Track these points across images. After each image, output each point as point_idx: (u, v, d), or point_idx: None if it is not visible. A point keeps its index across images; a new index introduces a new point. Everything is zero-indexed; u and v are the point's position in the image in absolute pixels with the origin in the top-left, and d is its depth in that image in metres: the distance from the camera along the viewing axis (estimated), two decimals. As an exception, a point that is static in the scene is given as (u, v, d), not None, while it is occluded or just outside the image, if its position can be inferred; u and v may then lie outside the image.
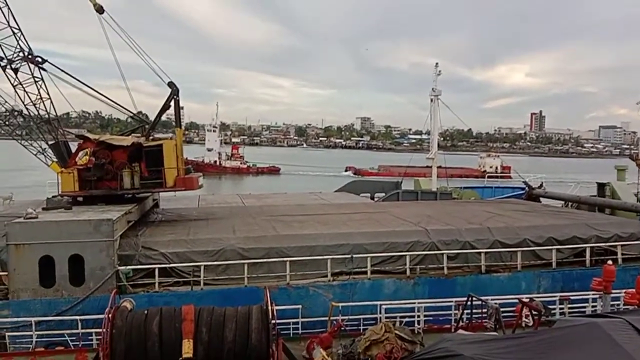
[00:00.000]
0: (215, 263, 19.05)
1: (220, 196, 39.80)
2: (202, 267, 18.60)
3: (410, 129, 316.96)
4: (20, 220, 17.83)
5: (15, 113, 26.39)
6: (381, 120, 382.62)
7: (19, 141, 28.84)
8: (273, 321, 12.79)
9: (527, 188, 37.40)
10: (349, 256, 19.89)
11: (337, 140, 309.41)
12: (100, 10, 24.68)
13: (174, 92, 24.89)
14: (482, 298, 16.20)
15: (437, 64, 46.76)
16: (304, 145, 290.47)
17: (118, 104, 26.02)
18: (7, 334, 15.74)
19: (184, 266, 18.82)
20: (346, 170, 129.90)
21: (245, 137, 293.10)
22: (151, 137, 25.18)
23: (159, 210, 28.11)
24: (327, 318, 17.00)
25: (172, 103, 24.96)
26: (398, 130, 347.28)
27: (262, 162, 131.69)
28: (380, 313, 17.41)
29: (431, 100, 45.92)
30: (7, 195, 35.07)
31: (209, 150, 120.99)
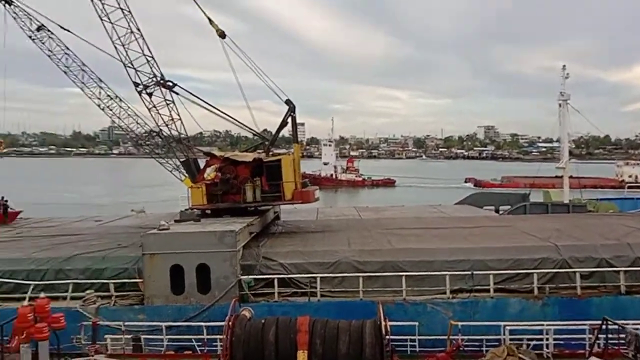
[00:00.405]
0: (330, 275, 19.19)
1: (337, 209, 40.31)
2: (319, 279, 18.82)
3: (539, 137, 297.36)
4: (154, 232, 19.46)
5: (154, 134, 29.12)
6: (506, 129, 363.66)
7: (157, 159, 31.80)
8: (387, 337, 12.51)
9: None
10: (470, 273, 18.96)
11: (459, 151, 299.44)
12: (222, 35, 26.37)
13: (291, 109, 25.82)
14: (620, 322, 14.47)
15: (564, 66, 43.61)
16: (423, 157, 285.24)
17: (241, 123, 27.58)
18: (142, 336, 17.11)
19: (302, 277, 19.18)
20: (466, 182, 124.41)
21: (364, 150, 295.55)
22: (271, 153, 26.30)
23: (279, 222, 29.11)
24: (445, 337, 16.30)
25: (290, 120, 25.94)
26: (526, 139, 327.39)
27: (377, 175, 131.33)
28: (504, 334, 16.26)
29: (559, 105, 42.82)
30: (140, 209, 38.61)
31: (325, 164, 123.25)
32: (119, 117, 30.07)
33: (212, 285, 18.69)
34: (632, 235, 22.24)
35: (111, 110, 29.57)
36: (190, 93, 26.58)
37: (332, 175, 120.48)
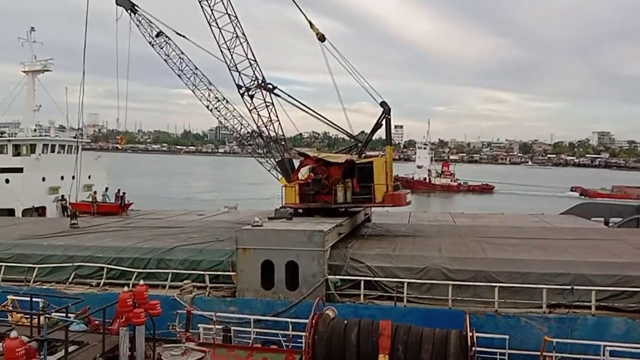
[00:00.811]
0: (419, 281, 18.81)
1: (431, 213, 39.48)
2: (406, 284, 18.55)
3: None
4: (247, 228, 20.26)
5: (256, 134, 30.37)
6: (623, 136, 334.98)
7: (257, 158, 33.13)
8: (473, 348, 12.07)
9: None
10: (569, 287, 17.72)
11: (569, 158, 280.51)
12: (322, 38, 26.84)
13: (386, 111, 25.74)
14: None
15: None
16: (529, 163, 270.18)
17: (335, 124, 27.89)
18: (232, 327, 17.88)
19: (389, 281, 19.01)
20: (571, 190, 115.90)
21: (464, 154, 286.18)
22: (364, 155, 26.35)
23: (369, 224, 29.07)
24: (539, 353, 15.37)
25: (384, 122, 25.85)
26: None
27: (474, 180, 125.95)
28: (603, 355, 15.03)
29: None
30: (233, 205, 40.36)
31: (419, 167, 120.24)
32: (225, 118, 31.81)
33: (299, 283, 19.10)
34: None
35: (218, 111, 31.34)
36: (289, 95, 27.37)
37: (425, 179, 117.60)
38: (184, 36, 30.42)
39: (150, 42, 30.50)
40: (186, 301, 18.84)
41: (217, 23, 25.61)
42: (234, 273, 20.01)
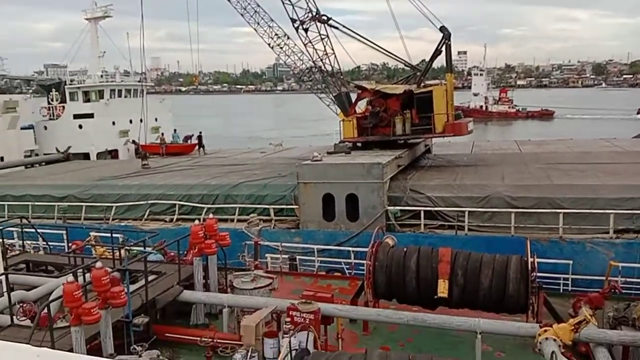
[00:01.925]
0: (480, 210, 18.78)
1: (495, 142, 38.42)
2: (467, 213, 18.56)
3: None
4: (308, 162, 20.74)
5: (314, 69, 30.17)
6: None
7: (317, 94, 33.06)
8: (534, 274, 12.12)
9: None
10: (639, 212, 17.14)
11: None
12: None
13: (446, 36, 24.75)
14: None
15: None
16: (603, 85, 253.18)
17: (392, 54, 27.22)
18: (297, 257, 18.74)
19: (449, 210, 19.10)
20: (638, 113, 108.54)
21: (532, 79, 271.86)
22: (423, 84, 25.73)
23: (429, 156, 28.83)
24: (603, 278, 15.20)
25: (444, 48, 24.92)
26: None
27: (533, 106, 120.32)
28: (673, 280, 14.67)
29: None
30: (278, 142, 40.84)
31: (475, 94, 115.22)
32: (286, 54, 31.39)
33: (360, 214, 19.56)
34: None
35: (280, 48, 31.00)
36: (344, 27, 26.86)
37: (482, 106, 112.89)
38: None
39: None
40: (253, 233, 19.80)
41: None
42: (297, 206, 20.71)
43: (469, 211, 18.62)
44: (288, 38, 30.22)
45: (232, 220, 21.36)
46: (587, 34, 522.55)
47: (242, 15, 30.03)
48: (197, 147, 40.33)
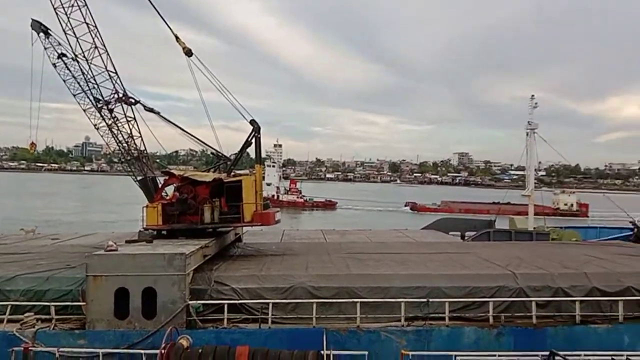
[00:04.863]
0: (283, 301, 18.56)
1: (303, 231, 39.78)
2: (271, 305, 18.19)
3: (511, 165, 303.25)
4: (99, 253, 18.64)
5: (123, 151, 28.20)
6: (480, 156, 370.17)
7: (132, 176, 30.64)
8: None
9: (635, 229, 33.57)
10: (425, 300, 18.58)
11: (432, 176, 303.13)
12: (188, 53, 25.93)
13: (255, 129, 25.41)
14: (569, 354, 14.25)
15: (532, 96, 44.69)
16: (398, 181, 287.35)
17: (202, 141, 27.07)
18: (81, 363, 16.22)
19: (253, 303, 18.52)
20: (405, 206, 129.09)
21: (339, 173, 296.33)
22: (232, 174, 25.77)
23: (240, 244, 28.42)
24: (397, 367, 15.81)
25: (254, 140, 25.50)
26: (499, 166, 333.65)
27: (319, 197, 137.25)
28: (455, 365, 15.87)
29: (527, 134, 43.52)
30: (31, 228, 37.52)
31: (268, 184, 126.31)
32: (114, 135, 27.92)
33: (158, 310, 17.87)
34: (590, 264, 22.23)
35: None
36: (151, 110, 26.11)
37: (273, 196, 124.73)
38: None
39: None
40: (27, 336, 16.81)
41: (74, 32, 23.83)
42: (84, 303, 18.24)
43: (273, 303, 18.28)
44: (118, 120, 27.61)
45: (2, 321, 17.93)
46: (385, 137, 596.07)
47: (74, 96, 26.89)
48: None
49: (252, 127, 25.41)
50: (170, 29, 25.80)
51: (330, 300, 18.59)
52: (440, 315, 18.47)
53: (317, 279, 19.73)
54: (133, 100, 25.69)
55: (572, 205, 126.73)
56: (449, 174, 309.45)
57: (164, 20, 25.47)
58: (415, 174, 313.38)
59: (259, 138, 25.70)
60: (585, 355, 15.92)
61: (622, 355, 15.24)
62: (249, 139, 25.62)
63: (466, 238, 37.22)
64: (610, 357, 15.41)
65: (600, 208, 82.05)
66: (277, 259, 24.03)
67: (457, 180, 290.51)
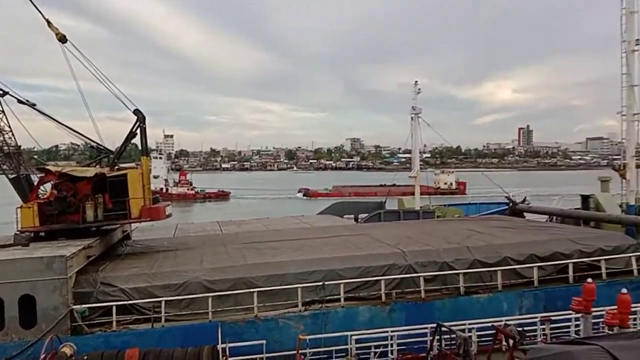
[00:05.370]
0: (176, 298, 17.96)
1: (198, 224, 38.77)
2: (163, 303, 17.52)
3: (399, 148, 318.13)
4: (-35, 260, 16.80)
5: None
6: (371, 141, 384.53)
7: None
8: (227, 361, 11.81)
9: (510, 203, 36.69)
10: (321, 283, 18.91)
11: (327, 162, 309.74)
12: (62, 39, 23.97)
13: (140, 119, 24.10)
14: (455, 324, 15.25)
15: (416, 82, 46.71)
16: (294, 169, 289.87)
17: (81, 134, 25.31)
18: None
19: (144, 302, 17.72)
20: (299, 192, 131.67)
21: (235, 162, 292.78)
22: (116, 167, 24.32)
23: (128, 242, 27.04)
24: (295, 352, 15.97)
25: (139, 131, 24.22)
26: (388, 150, 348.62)
27: (211, 188, 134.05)
28: (350, 344, 16.35)
29: (412, 118, 45.60)
30: None
31: (155, 177, 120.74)
32: None
33: (38, 319, 16.50)
34: (471, 238, 23.87)
35: None
36: (25, 103, 23.90)
37: (162, 189, 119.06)
38: None
39: None
40: None
41: None
42: (-51, 318, 16.35)
43: (166, 300, 17.63)
44: None
45: None
46: (280, 124, 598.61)
47: None
48: None
49: (136, 117, 24.15)
50: (40, 12, 23.66)
51: (226, 293, 18.30)
52: (336, 297, 18.92)
53: (212, 272, 19.34)
54: (0, 92, 23.32)
55: (451, 184, 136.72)
56: (342, 160, 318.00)
57: (35, 6, 23.30)
58: (310, 161, 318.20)
59: (144, 128, 24.39)
60: (469, 324, 17.07)
61: (501, 321, 16.55)
62: (134, 130, 24.27)
63: (359, 220, 38.47)
64: (490, 324, 16.62)
65: (480, 185, 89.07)
66: (170, 254, 23.17)
67: (350, 165, 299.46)
